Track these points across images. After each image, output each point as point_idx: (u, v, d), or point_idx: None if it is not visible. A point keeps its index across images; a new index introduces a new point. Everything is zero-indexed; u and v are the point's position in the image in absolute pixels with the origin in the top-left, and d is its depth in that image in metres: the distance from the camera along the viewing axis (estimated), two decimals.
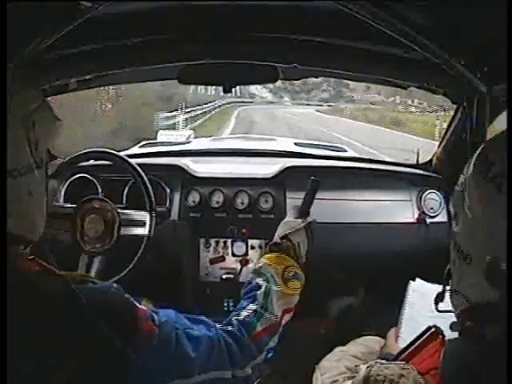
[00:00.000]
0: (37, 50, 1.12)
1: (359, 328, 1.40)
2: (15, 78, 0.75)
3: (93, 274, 1.53)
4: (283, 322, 1.00)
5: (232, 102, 25.88)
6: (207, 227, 1.88)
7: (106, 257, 1.59)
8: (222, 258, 1.89)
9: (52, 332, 0.69)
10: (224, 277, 1.81)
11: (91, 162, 1.86)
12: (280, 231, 1.17)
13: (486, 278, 0.66)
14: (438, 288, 0.81)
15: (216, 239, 1.89)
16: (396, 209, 1.86)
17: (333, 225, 1.82)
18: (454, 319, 0.75)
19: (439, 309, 0.80)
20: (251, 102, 29.38)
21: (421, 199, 1.85)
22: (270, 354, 0.95)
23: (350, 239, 1.83)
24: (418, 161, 2.02)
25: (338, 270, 1.77)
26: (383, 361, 0.74)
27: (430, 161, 1.96)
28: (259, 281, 1.01)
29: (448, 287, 0.78)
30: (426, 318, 0.83)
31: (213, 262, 1.89)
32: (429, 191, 1.85)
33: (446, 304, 0.79)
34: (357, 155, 2.64)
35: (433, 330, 0.77)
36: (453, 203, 0.76)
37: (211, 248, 1.89)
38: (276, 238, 1.16)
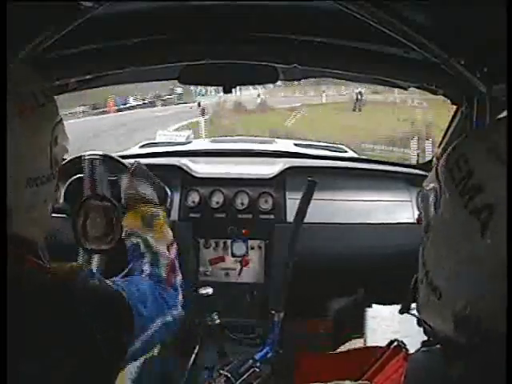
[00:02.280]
0: (37, 50, 1.12)
1: (358, 328, 1.40)
2: (44, 91, 0.76)
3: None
4: (173, 255, 1.12)
5: None
6: (207, 227, 1.88)
7: (107, 255, 1.59)
8: (222, 259, 1.89)
9: (50, 330, 0.69)
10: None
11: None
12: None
13: (455, 326, 0.57)
14: (395, 310, 0.75)
15: (216, 239, 1.89)
16: (396, 209, 1.85)
17: (333, 225, 1.82)
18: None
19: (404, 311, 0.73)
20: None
21: None
22: (270, 354, 0.96)
23: (350, 240, 1.83)
24: (417, 161, 2.02)
25: (338, 270, 1.77)
26: (347, 381, 0.72)
27: (430, 161, 1.96)
28: (133, 240, 1.12)
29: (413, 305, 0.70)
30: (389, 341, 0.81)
31: (213, 262, 1.89)
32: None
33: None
34: (356, 156, 2.64)
35: (395, 343, 0.76)
36: (422, 203, 0.66)
37: (211, 248, 1.89)
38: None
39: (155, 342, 0.96)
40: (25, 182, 0.72)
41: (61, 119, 0.80)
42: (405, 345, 0.74)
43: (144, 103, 14.57)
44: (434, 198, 0.61)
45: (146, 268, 1.06)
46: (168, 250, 1.12)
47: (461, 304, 0.56)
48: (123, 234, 1.16)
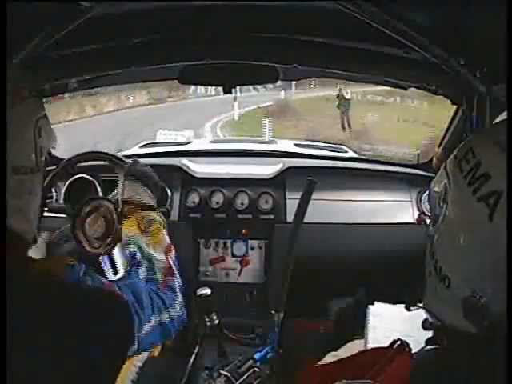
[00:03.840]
0: (37, 50, 1.12)
1: (359, 329, 1.40)
2: (28, 87, 0.78)
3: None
4: (171, 260, 1.10)
5: None
6: (207, 228, 1.88)
7: (108, 256, 1.59)
8: (222, 259, 1.89)
9: (50, 330, 0.69)
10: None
11: (90, 162, 1.86)
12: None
13: (464, 313, 0.59)
14: (396, 310, 0.76)
15: (216, 240, 1.89)
16: (396, 209, 1.86)
17: (333, 225, 1.82)
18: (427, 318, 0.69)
19: (411, 309, 0.76)
20: None
21: (420, 200, 1.85)
22: (270, 354, 0.96)
23: (350, 240, 1.83)
24: (418, 161, 2.02)
25: (338, 270, 1.77)
26: (349, 380, 0.72)
27: (430, 161, 1.96)
28: (130, 249, 1.12)
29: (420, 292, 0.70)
30: (390, 340, 0.82)
31: (213, 262, 1.89)
32: (428, 192, 1.84)
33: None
34: (356, 156, 2.64)
35: (399, 343, 0.76)
36: (430, 203, 0.68)
37: (211, 248, 1.89)
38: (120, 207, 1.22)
39: (152, 342, 0.96)
40: (10, 170, 0.73)
41: (45, 114, 0.81)
42: (408, 344, 0.75)
43: None
44: (443, 193, 0.63)
45: (142, 273, 1.06)
46: (165, 254, 1.11)
47: (469, 290, 0.57)
48: (123, 243, 1.14)
